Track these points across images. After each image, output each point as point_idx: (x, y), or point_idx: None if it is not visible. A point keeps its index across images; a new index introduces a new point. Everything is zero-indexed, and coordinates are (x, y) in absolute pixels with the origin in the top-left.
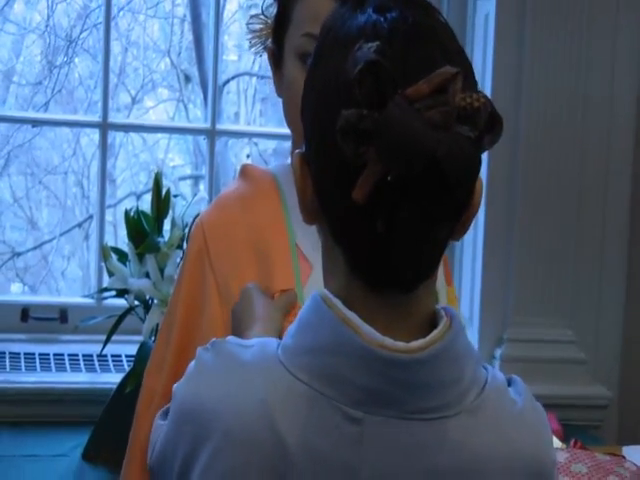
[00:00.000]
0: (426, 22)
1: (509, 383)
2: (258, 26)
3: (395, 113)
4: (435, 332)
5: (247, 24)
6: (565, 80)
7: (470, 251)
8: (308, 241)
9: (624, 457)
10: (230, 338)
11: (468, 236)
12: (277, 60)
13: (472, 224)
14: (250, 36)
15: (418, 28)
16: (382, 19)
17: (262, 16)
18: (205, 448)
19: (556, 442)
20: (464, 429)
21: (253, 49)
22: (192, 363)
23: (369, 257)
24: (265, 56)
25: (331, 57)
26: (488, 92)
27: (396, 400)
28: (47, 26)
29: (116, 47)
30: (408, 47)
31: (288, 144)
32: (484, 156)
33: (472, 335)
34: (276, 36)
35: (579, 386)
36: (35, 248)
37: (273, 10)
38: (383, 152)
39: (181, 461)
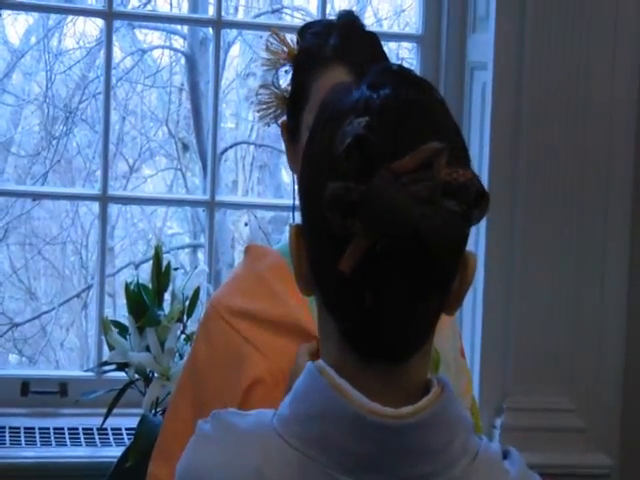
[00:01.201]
0: (419, 98)
1: (505, 455)
2: (267, 97)
3: (380, 186)
4: (425, 399)
5: (256, 94)
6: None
7: (469, 322)
8: None
9: None
10: (230, 409)
11: (467, 309)
12: (291, 134)
13: (471, 298)
14: (259, 107)
15: (409, 104)
16: (375, 95)
17: (272, 87)
18: None
19: None
20: None
21: (262, 120)
22: (192, 436)
23: (359, 328)
24: (264, 125)
25: (325, 131)
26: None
27: (385, 466)
28: (46, 97)
29: (114, 116)
30: (398, 123)
31: (285, 214)
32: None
33: None
34: (292, 111)
35: (579, 454)
36: (34, 319)
37: (283, 82)
38: (368, 225)
39: None
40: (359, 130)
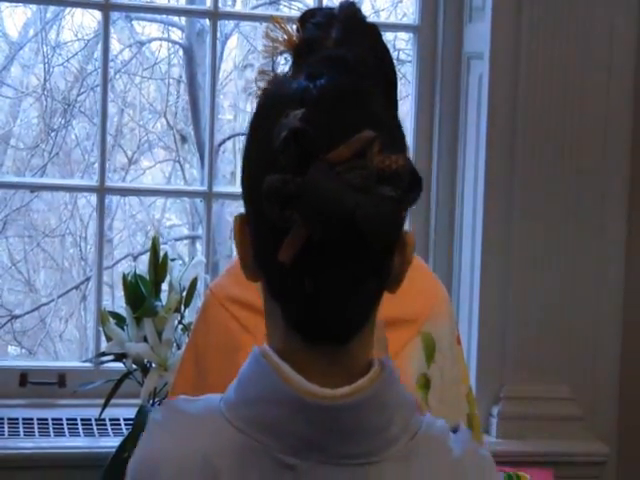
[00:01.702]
0: (354, 88)
1: (455, 432)
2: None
3: (316, 177)
4: (362, 380)
5: (255, 80)
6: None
7: (466, 311)
8: None
9: None
10: (181, 396)
11: (464, 298)
12: None
13: (469, 286)
14: (258, 93)
15: (344, 94)
16: (311, 85)
17: (271, 73)
18: None
19: None
20: (387, 476)
21: None
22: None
23: (301, 313)
24: None
25: (263, 123)
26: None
27: (324, 446)
28: (44, 89)
29: (112, 108)
30: (333, 113)
31: None
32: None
33: None
34: None
35: (577, 442)
36: (33, 311)
37: (285, 70)
38: (305, 215)
39: None
40: (295, 123)
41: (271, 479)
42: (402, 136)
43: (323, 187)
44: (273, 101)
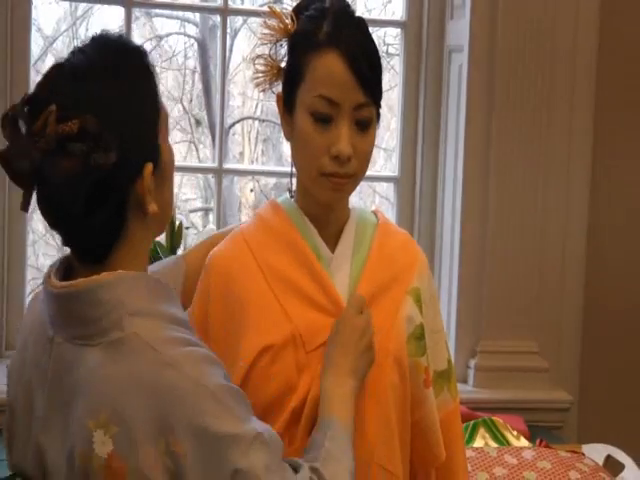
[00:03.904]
0: (75, 68)
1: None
2: (263, 67)
3: (24, 146)
4: (79, 280)
5: (254, 63)
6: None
7: (447, 280)
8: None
9: (584, 454)
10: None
11: (445, 269)
12: (287, 108)
13: (448, 264)
14: (255, 75)
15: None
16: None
17: (268, 58)
18: None
19: (523, 441)
20: (98, 358)
21: (258, 87)
22: None
23: (66, 243)
24: (267, 100)
25: None
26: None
27: (62, 325)
28: None
29: None
30: (46, 91)
31: (286, 180)
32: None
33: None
34: (287, 87)
35: (543, 391)
36: None
37: (280, 55)
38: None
39: None
40: (10, 108)
41: (41, 349)
42: (89, 99)
43: (27, 153)
44: None
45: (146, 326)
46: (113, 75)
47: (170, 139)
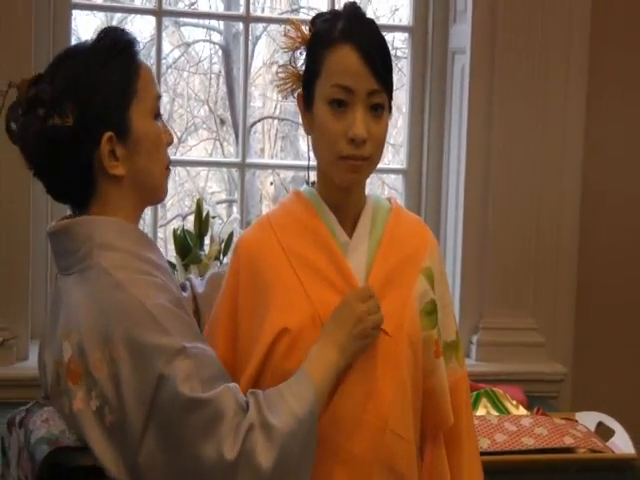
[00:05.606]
0: (63, 56)
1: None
2: (285, 74)
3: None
4: (65, 220)
5: (276, 72)
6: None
7: (451, 263)
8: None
9: (577, 421)
10: None
11: (449, 253)
12: (306, 104)
13: (452, 249)
14: (278, 82)
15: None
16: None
17: (289, 66)
18: None
19: (522, 410)
20: (72, 284)
21: (281, 93)
22: None
23: (50, 194)
24: (286, 100)
25: None
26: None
27: (56, 262)
28: None
29: (165, 98)
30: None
31: (303, 173)
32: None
33: None
34: (306, 84)
35: (540, 364)
36: None
37: (299, 62)
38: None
39: None
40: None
41: (54, 286)
42: (60, 76)
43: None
44: None
45: (109, 257)
46: (92, 57)
47: (197, 137)
